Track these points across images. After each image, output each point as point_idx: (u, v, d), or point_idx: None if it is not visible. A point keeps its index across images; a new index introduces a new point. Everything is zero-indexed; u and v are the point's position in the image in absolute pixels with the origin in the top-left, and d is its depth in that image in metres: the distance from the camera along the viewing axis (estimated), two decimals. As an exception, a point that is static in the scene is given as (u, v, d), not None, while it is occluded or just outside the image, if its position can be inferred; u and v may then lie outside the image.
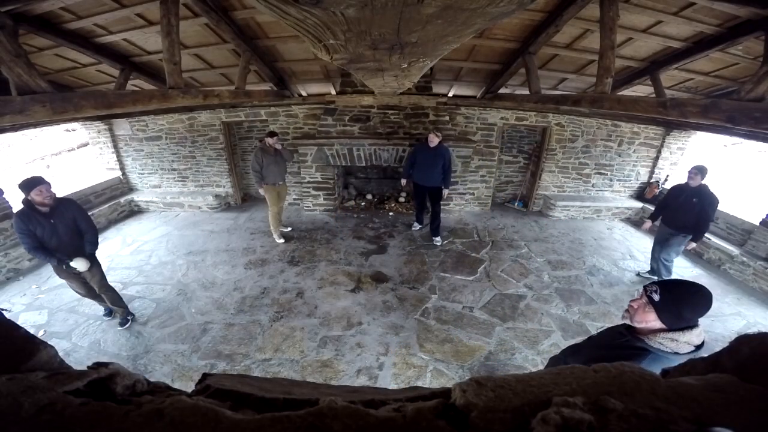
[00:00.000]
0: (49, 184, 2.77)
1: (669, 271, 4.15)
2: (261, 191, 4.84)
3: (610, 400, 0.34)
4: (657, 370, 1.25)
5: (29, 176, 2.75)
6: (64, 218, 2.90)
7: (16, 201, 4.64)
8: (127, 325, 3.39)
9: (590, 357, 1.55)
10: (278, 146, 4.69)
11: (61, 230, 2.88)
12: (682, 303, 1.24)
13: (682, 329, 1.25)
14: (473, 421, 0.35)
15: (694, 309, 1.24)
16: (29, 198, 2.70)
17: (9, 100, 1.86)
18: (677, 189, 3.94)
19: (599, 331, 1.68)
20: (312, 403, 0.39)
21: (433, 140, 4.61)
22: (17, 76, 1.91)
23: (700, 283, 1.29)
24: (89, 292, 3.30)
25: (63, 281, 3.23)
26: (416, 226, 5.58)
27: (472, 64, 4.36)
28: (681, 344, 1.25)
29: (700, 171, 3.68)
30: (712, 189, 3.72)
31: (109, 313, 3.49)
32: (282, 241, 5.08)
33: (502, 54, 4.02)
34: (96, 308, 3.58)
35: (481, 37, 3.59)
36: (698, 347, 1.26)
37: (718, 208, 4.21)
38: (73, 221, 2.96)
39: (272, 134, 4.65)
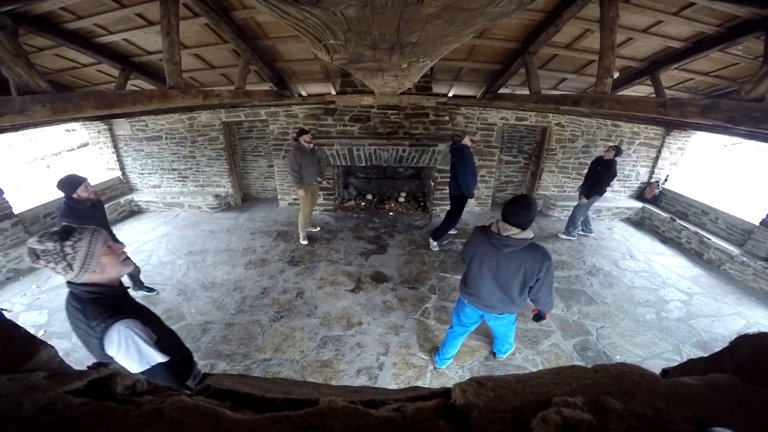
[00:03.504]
0: (88, 179, 2.88)
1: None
2: (300, 192, 4.69)
3: (610, 400, 0.34)
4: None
5: (67, 175, 2.81)
6: (103, 211, 3.07)
7: (16, 202, 4.65)
8: (155, 292, 3.62)
9: None
10: (312, 145, 4.65)
11: (103, 222, 3.01)
12: (505, 204, 2.06)
13: (501, 219, 2.08)
14: (473, 421, 0.35)
15: (504, 207, 2.05)
16: (75, 196, 2.76)
17: (9, 100, 1.86)
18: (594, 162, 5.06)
19: None
20: (312, 403, 0.39)
21: (470, 141, 4.55)
22: (17, 76, 1.91)
23: (523, 199, 2.01)
24: None
25: (64, 282, 3.24)
26: (434, 244, 4.93)
27: (472, 64, 4.36)
28: (494, 225, 2.11)
29: (614, 148, 4.86)
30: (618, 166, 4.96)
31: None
32: (306, 242, 5.03)
33: (502, 54, 4.01)
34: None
35: (481, 37, 3.59)
36: (500, 235, 2.04)
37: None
38: (105, 213, 3.15)
39: (304, 131, 4.55)
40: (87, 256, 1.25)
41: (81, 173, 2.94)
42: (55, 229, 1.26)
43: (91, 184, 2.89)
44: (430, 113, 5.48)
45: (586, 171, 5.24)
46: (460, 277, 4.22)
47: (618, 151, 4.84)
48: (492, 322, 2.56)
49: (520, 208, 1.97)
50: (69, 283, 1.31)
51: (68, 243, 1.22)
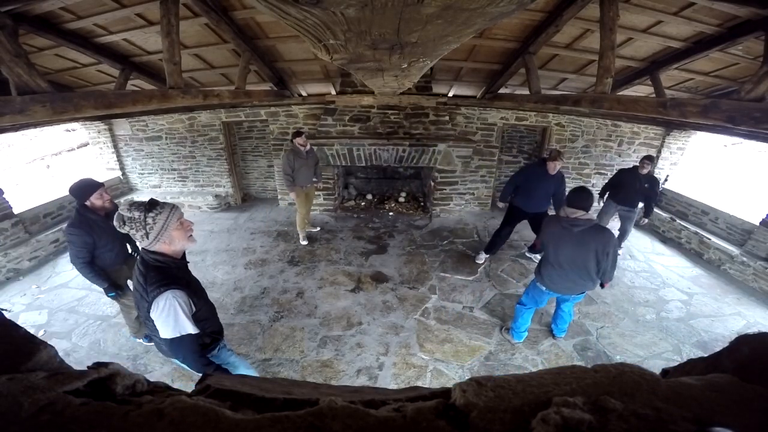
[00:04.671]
0: (104, 185, 2.59)
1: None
2: (292, 195, 4.70)
3: (610, 400, 0.34)
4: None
5: (81, 180, 2.53)
6: None
7: (16, 202, 4.65)
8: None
9: None
10: (308, 147, 4.55)
11: (119, 235, 2.69)
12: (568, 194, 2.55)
13: (567, 206, 2.53)
14: (473, 421, 0.35)
15: (568, 196, 2.53)
16: (88, 203, 2.50)
17: (9, 100, 1.86)
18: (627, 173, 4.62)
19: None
20: (312, 403, 0.39)
21: (556, 167, 3.96)
22: (17, 76, 1.91)
23: (583, 188, 2.48)
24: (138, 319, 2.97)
25: (64, 282, 3.18)
26: (482, 257, 4.61)
27: (472, 64, 4.36)
28: (562, 211, 2.54)
29: (651, 161, 4.44)
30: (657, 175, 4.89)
31: (150, 338, 3.17)
32: (306, 243, 5.02)
33: (502, 54, 4.01)
34: (96, 308, 3.58)
35: (481, 37, 3.59)
36: (568, 217, 2.48)
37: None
38: None
39: (299, 134, 4.46)
40: (162, 228, 1.45)
41: (96, 178, 2.64)
42: (143, 200, 1.47)
43: (107, 190, 2.59)
44: (430, 113, 5.48)
45: (611, 181, 4.73)
46: (459, 277, 4.26)
47: (652, 161, 4.45)
48: (565, 302, 2.94)
49: (581, 193, 2.44)
50: (142, 249, 1.51)
51: (151, 214, 1.42)
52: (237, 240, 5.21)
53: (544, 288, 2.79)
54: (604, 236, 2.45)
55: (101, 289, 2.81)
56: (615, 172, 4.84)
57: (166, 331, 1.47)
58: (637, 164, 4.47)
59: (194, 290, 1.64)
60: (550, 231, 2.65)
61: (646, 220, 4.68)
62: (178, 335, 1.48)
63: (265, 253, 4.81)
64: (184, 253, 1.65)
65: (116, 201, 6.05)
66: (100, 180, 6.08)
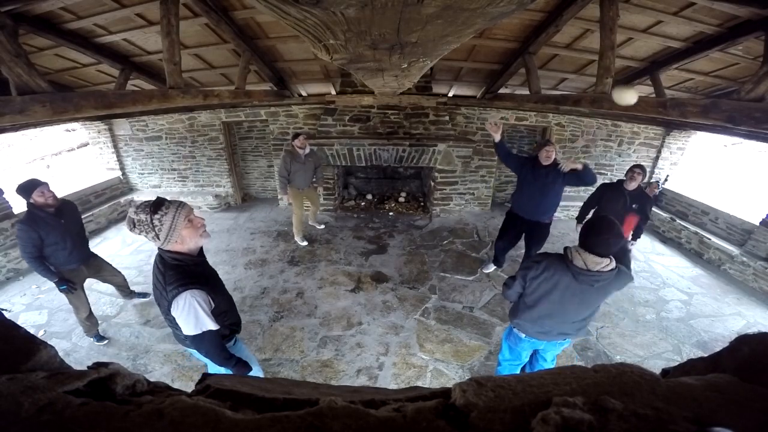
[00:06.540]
0: (47, 184, 2.68)
1: None
2: (286, 198, 4.66)
3: (610, 400, 0.34)
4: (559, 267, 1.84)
5: (25, 180, 2.67)
6: (73, 217, 2.90)
7: (16, 202, 4.64)
8: (148, 298, 3.61)
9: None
10: (308, 149, 4.51)
11: (73, 230, 2.86)
12: (584, 229, 1.76)
13: (585, 249, 1.74)
14: (473, 421, 0.35)
15: (588, 235, 1.73)
16: (32, 201, 2.62)
17: (9, 100, 1.86)
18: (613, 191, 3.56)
19: None
20: (312, 403, 0.39)
21: (550, 156, 3.33)
22: (17, 76, 1.91)
23: (612, 224, 1.69)
24: (91, 314, 3.16)
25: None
26: (490, 267, 4.36)
27: (472, 64, 4.36)
28: (577, 257, 1.76)
29: (641, 172, 3.38)
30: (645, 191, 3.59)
31: (100, 338, 3.21)
32: (305, 243, 5.01)
33: (502, 54, 4.01)
34: (95, 308, 3.56)
35: (481, 37, 3.59)
36: (590, 270, 1.72)
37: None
38: (80, 220, 3.00)
39: (297, 135, 4.45)
40: (171, 228, 1.45)
41: (42, 178, 2.73)
42: (150, 200, 1.44)
43: (51, 189, 2.69)
44: (430, 113, 5.48)
45: (588, 201, 3.95)
46: (459, 277, 4.25)
47: (645, 172, 3.43)
48: (550, 350, 2.27)
49: (612, 236, 1.67)
50: (158, 248, 1.53)
51: (156, 216, 1.41)
52: (237, 240, 5.21)
53: (523, 335, 2.16)
54: (622, 281, 1.88)
55: (72, 287, 2.96)
56: (597, 187, 3.73)
57: (188, 329, 1.51)
58: (624, 178, 3.49)
59: (213, 286, 1.66)
60: (550, 282, 1.89)
61: (633, 244, 3.72)
62: (200, 332, 1.52)
63: (265, 253, 4.80)
64: (201, 249, 1.65)
65: (116, 201, 6.07)
66: (100, 180, 6.08)
